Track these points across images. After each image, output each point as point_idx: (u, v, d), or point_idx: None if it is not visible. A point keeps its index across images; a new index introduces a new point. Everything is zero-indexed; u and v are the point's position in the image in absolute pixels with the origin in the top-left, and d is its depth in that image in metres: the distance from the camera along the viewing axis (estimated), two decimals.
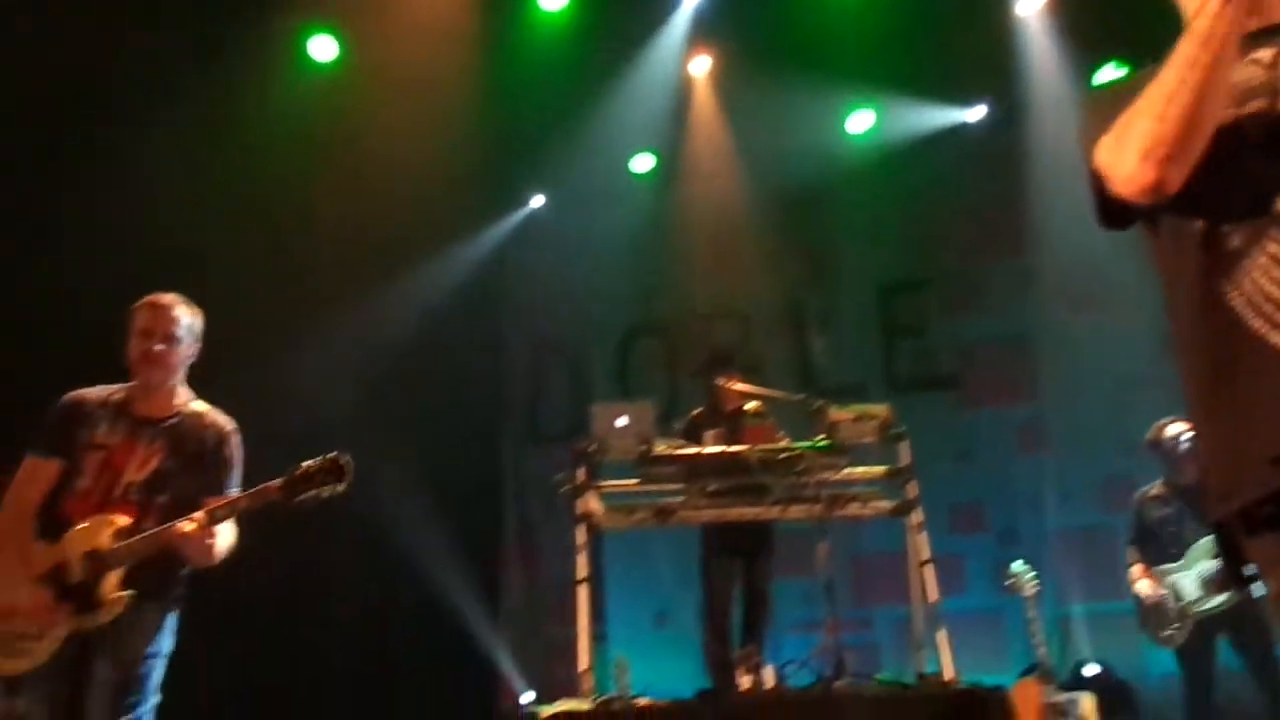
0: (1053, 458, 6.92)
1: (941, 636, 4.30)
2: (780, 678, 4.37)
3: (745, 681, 4.31)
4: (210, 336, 2.99)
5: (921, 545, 4.48)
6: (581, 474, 4.56)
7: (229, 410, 2.99)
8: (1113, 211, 1.57)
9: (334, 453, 2.61)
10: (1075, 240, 6.95)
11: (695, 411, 5.19)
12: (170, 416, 2.86)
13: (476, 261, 7.83)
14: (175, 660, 2.87)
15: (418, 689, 7.24)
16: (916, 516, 4.54)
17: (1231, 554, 1.48)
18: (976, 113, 7.56)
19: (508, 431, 8.17)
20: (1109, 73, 7.09)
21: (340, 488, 2.59)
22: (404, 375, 6.93)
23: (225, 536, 2.73)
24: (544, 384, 8.20)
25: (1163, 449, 4.51)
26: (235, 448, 2.91)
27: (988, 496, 7.01)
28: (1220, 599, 4.15)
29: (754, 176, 7.66)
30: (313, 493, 2.57)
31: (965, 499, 6.95)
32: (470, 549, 7.32)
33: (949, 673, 4.21)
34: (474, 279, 7.83)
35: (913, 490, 4.58)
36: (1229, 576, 1.49)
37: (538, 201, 8.30)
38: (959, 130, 7.56)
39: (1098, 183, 1.54)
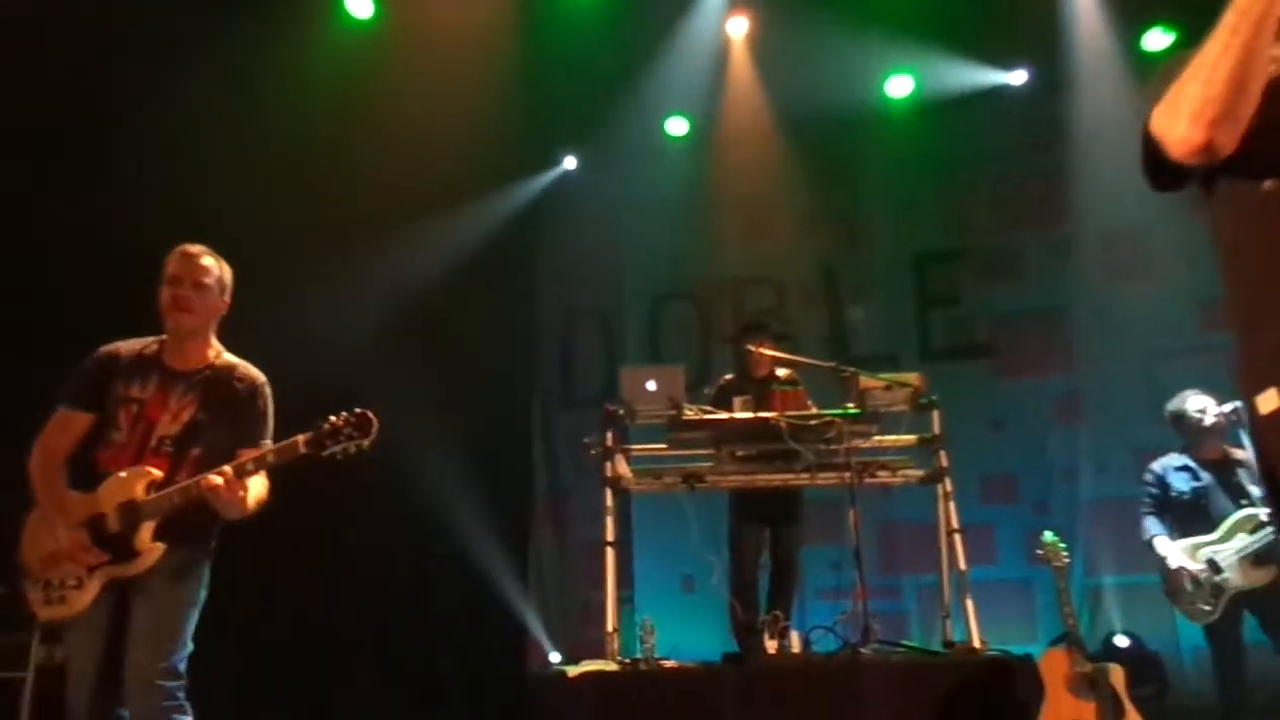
0: (1087, 428, 6.85)
1: (970, 605, 4.28)
2: (806, 643, 4.38)
3: (771, 647, 4.32)
4: (243, 290, 3.02)
5: (951, 514, 4.45)
6: (610, 437, 4.57)
7: (260, 364, 3.02)
8: (1166, 174, 1.63)
9: (360, 408, 2.63)
10: (1115, 211, 6.85)
11: (726, 378, 5.17)
12: (202, 369, 2.89)
13: (508, 221, 7.80)
14: (206, 611, 2.93)
15: (446, 649, 7.34)
16: (947, 485, 4.50)
17: None
18: (1018, 77, 7.37)
19: (538, 394, 8.19)
20: (1156, 37, 6.91)
21: (366, 443, 2.61)
22: (435, 335, 6.96)
23: (256, 489, 2.77)
24: (575, 347, 8.20)
25: (1187, 422, 4.43)
26: (267, 400, 2.94)
27: (1021, 467, 6.95)
28: (1259, 575, 4.07)
29: (790, 141, 7.57)
30: (339, 447, 2.59)
31: (998, 469, 6.90)
32: (500, 510, 7.37)
33: (977, 641, 4.20)
34: (506, 240, 7.80)
35: (944, 459, 4.54)
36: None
37: (571, 163, 8.26)
38: (999, 97, 7.38)
39: (1152, 147, 1.60)
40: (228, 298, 2.96)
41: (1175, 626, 6.12)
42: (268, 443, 2.83)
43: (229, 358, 2.96)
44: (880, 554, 6.86)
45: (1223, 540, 4.21)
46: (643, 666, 4.08)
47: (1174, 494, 4.45)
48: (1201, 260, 6.68)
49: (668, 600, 6.91)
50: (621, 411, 4.56)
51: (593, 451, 4.61)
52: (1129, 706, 3.63)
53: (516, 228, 8.09)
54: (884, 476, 4.63)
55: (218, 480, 2.63)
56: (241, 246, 3.11)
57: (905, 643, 4.60)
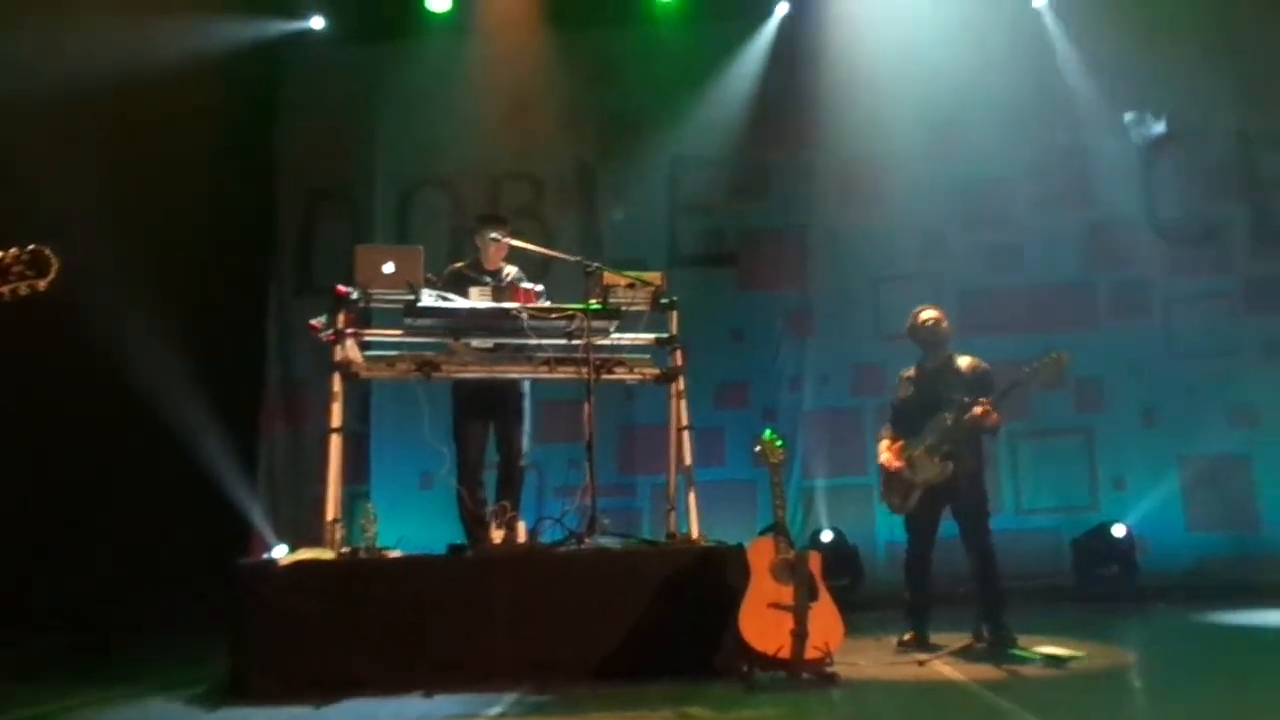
0: (814, 342, 7.34)
1: (692, 498, 4.45)
2: (533, 534, 4.41)
3: (498, 537, 4.32)
4: None
5: (681, 412, 4.58)
6: (342, 320, 4.32)
7: None
8: None
9: (33, 245, 2.29)
10: (854, 142, 7.27)
11: (456, 265, 4.99)
12: None
13: (245, 85, 7.12)
14: None
15: (162, 543, 6.87)
16: (680, 384, 4.62)
17: None
18: (782, 9, 7.60)
19: (276, 279, 7.68)
20: None
21: (42, 284, 2.29)
22: (160, 205, 6.29)
23: None
24: (317, 230, 7.72)
25: (919, 333, 4.79)
26: None
27: (754, 375, 7.35)
28: (938, 469, 4.51)
29: (555, 33, 7.38)
30: (8, 287, 2.26)
31: (734, 377, 7.27)
32: (228, 400, 6.90)
33: (696, 532, 4.38)
34: (242, 108, 7.15)
35: (679, 358, 4.65)
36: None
37: (317, 23, 7.61)
38: (764, 16, 7.59)
39: None
40: None
41: (874, 526, 6.79)
42: None
43: None
44: (619, 455, 7.06)
45: (922, 440, 4.61)
46: (361, 555, 3.95)
47: (899, 400, 4.86)
48: (927, 194, 7.33)
49: (406, 496, 6.77)
50: (354, 294, 4.31)
51: (321, 335, 4.33)
52: (823, 590, 3.92)
53: (255, 95, 7.43)
54: (621, 373, 4.67)
55: None
56: None
57: (627, 534, 4.74)
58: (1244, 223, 7.21)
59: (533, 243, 5.11)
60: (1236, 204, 7.23)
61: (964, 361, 4.78)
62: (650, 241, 7.47)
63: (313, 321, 4.36)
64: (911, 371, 4.89)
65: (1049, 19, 7.33)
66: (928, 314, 4.82)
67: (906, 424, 4.78)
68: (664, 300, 4.62)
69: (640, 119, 7.57)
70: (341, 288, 4.33)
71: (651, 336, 4.70)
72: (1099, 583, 6.36)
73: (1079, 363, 6.28)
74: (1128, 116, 7.27)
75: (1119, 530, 6.44)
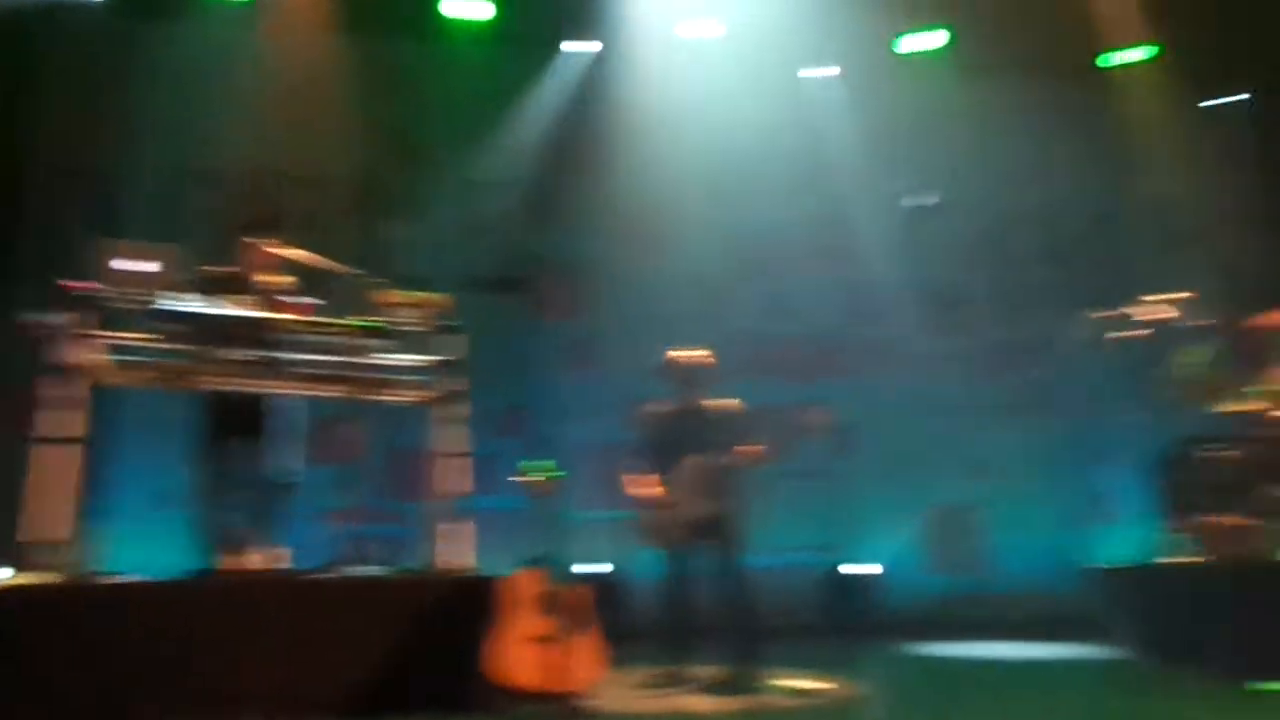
0: (594, 374, 7.44)
1: (449, 528, 4.31)
2: (284, 560, 4.14)
3: (245, 560, 4.02)
4: None
5: (447, 438, 4.43)
6: (68, 317, 3.88)
7: None
8: None
9: None
10: (642, 182, 7.51)
11: (220, 268, 4.57)
12: None
13: None
14: None
15: None
16: (451, 410, 4.48)
17: None
18: (587, 45, 7.77)
19: (10, 268, 6.88)
20: (690, 27, 7.66)
21: None
22: None
23: None
24: (64, 216, 7.00)
25: (679, 371, 4.91)
26: None
27: (533, 403, 7.36)
28: (703, 507, 4.63)
29: (350, 38, 7.13)
30: None
31: (513, 403, 7.24)
32: None
33: (456, 562, 4.24)
34: None
35: (454, 384, 4.50)
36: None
37: None
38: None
39: None
40: None
41: (638, 560, 6.89)
42: None
43: None
44: (389, 479, 6.79)
45: (682, 476, 4.71)
46: (87, 580, 3.56)
47: (656, 435, 4.92)
48: (707, 239, 7.61)
49: (144, 516, 6.23)
50: (92, 290, 3.89)
51: (39, 334, 3.87)
52: (588, 625, 3.90)
53: (8, 62, 6.67)
54: (392, 393, 4.47)
55: None
56: None
57: (386, 563, 4.54)
58: (989, 292, 8.03)
59: (310, 252, 4.83)
60: (984, 274, 8.04)
61: (719, 402, 4.94)
62: (439, 261, 7.30)
63: (27, 318, 3.89)
64: (664, 408, 4.97)
65: (833, 88, 7.89)
66: (688, 353, 4.96)
67: (657, 460, 4.85)
68: (446, 322, 4.48)
69: (434, 135, 7.47)
70: (69, 283, 3.90)
71: (429, 359, 4.54)
72: (846, 618, 6.76)
73: (835, 410, 6.75)
74: (898, 185, 7.93)
75: (866, 569, 6.90)
